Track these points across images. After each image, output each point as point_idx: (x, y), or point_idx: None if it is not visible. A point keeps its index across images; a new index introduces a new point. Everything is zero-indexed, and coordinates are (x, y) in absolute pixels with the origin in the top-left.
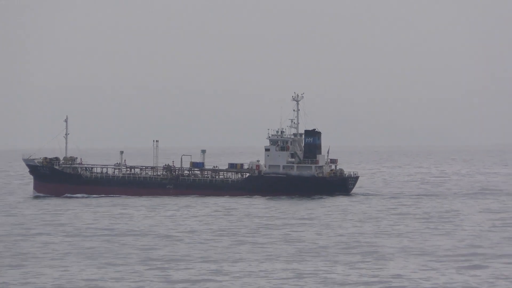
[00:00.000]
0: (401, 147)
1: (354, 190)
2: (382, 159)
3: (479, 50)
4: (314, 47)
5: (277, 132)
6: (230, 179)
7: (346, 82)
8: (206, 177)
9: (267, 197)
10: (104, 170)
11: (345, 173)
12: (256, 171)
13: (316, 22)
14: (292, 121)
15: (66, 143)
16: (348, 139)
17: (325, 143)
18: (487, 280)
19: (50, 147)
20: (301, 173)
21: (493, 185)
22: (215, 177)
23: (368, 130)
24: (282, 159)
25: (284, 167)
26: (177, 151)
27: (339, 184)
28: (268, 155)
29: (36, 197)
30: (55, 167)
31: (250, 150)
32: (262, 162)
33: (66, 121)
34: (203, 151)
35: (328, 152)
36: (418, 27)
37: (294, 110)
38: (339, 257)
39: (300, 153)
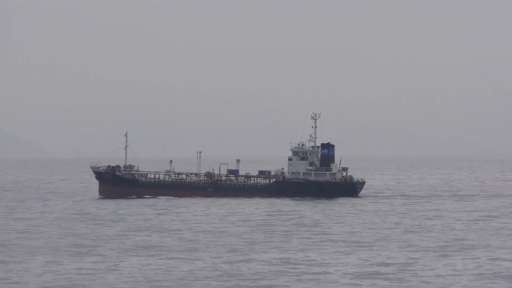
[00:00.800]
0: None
1: (361, 193)
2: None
3: None
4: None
5: (298, 144)
6: (259, 184)
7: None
8: (240, 181)
9: (290, 199)
10: (157, 176)
11: (354, 179)
12: (281, 177)
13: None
14: (311, 136)
15: (126, 153)
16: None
17: (338, 153)
18: None
19: (113, 156)
20: (318, 179)
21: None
22: (247, 182)
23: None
24: (302, 167)
25: (303, 173)
26: (216, 159)
27: (349, 188)
28: (290, 164)
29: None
30: (116, 173)
31: (276, 159)
32: (285, 170)
33: (126, 135)
34: (238, 160)
35: (340, 161)
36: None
37: (312, 127)
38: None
39: (317, 162)
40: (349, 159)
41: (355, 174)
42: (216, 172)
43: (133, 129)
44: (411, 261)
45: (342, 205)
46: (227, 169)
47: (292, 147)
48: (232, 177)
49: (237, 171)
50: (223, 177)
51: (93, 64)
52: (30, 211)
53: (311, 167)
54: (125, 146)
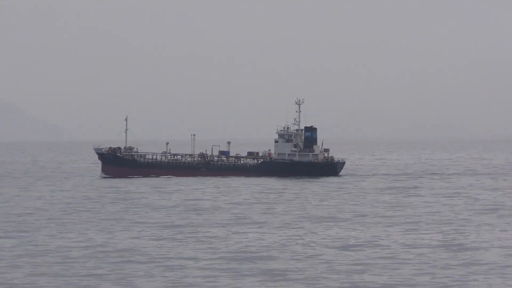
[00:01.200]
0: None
1: (341, 172)
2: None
3: None
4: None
5: (284, 128)
6: (248, 164)
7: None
8: (230, 162)
9: (276, 178)
10: (154, 157)
11: (334, 159)
12: (268, 158)
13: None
14: (295, 120)
15: (126, 136)
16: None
17: (320, 136)
18: None
19: (114, 139)
20: (302, 160)
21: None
22: (237, 162)
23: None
24: (287, 148)
25: (288, 155)
26: (209, 141)
27: (330, 168)
28: (277, 146)
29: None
30: (117, 154)
31: (264, 141)
32: (272, 151)
33: (126, 119)
34: (229, 142)
35: (322, 143)
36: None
37: (296, 111)
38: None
39: (301, 144)
40: (346, 141)
41: (339, 155)
42: (209, 153)
43: (134, 114)
44: (381, 234)
45: (323, 184)
46: (219, 151)
47: (278, 130)
48: (223, 158)
49: (228, 152)
50: (215, 158)
51: (119, 54)
52: (40, 188)
53: (296, 149)
54: (125, 129)
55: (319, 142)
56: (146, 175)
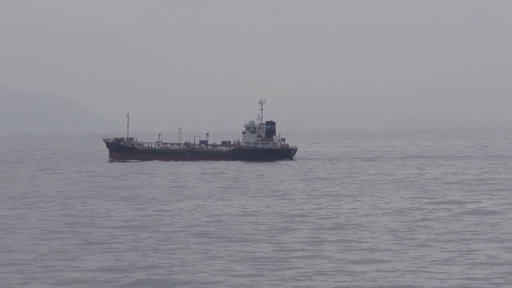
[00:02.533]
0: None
1: (295, 157)
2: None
3: None
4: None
5: (250, 122)
6: (222, 150)
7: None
8: (209, 149)
9: (244, 161)
10: (149, 145)
11: (289, 146)
12: (238, 146)
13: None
14: (258, 115)
15: (128, 129)
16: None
17: (278, 128)
18: None
19: (119, 131)
20: (264, 147)
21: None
22: (214, 149)
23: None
24: (252, 138)
25: (253, 143)
26: (193, 133)
27: (286, 153)
28: (244, 136)
29: (113, 162)
30: (121, 143)
31: (235, 133)
32: (241, 140)
33: (128, 116)
34: (207, 134)
35: (279, 134)
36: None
37: (259, 109)
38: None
39: (263, 135)
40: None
41: (292, 143)
42: (192, 142)
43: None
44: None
45: (279, 165)
46: (199, 140)
47: (245, 124)
48: (203, 146)
49: (206, 141)
50: (197, 146)
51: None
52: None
53: (259, 138)
54: (127, 124)
55: (277, 133)
56: (143, 159)
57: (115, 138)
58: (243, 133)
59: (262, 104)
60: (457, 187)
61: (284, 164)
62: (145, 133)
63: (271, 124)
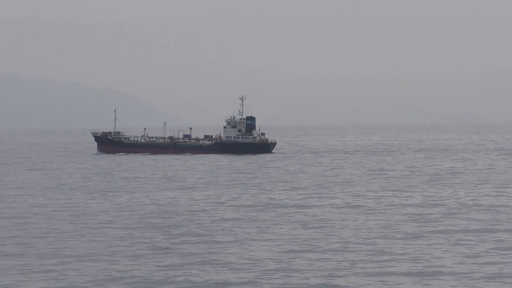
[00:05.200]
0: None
1: (274, 150)
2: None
3: None
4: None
5: (231, 117)
6: (204, 144)
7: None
8: (192, 143)
9: (225, 154)
10: (135, 138)
11: (268, 140)
12: (219, 140)
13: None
14: (239, 111)
15: (115, 124)
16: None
17: (258, 123)
18: None
19: (106, 126)
20: (244, 141)
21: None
22: (197, 143)
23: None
24: (233, 132)
25: (234, 137)
26: (177, 127)
27: (265, 147)
28: (225, 130)
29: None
30: (108, 137)
31: (216, 127)
32: (222, 134)
33: (115, 111)
34: (191, 128)
35: (259, 129)
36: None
37: (240, 105)
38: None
39: (243, 129)
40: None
41: (272, 137)
42: (176, 136)
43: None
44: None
45: (258, 158)
46: (183, 134)
47: (226, 119)
48: (186, 140)
49: (190, 135)
50: (180, 140)
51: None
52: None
53: (239, 133)
54: (115, 119)
55: (257, 128)
56: (129, 152)
57: (103, 132)
58: (224, 127)
59: (242, 100)
60: None
61: (261, 157)
62: (127, 127)
63: (251, 119)
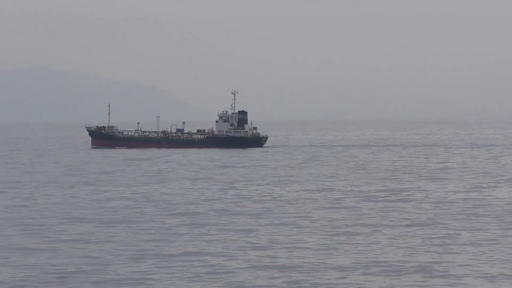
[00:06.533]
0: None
1: (265, 144)
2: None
3: None
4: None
5: (223, 111)
6: (197, 138)
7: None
8: (184, 137)
9: (218, 149)
10: (129, 133)
11: (260, 134)
12: (211, 134)
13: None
14: (231, 105)
15: (109, 119)
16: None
17: (250, 117)
18: None
19: (100, 120)
20: (236, 135)
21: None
22: (189, 137)
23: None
24: (225, 127)
25: (226, 131)
26: (170, 121)
27: (256, 141)
28: (217, 125)
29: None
30: (102, 131)
31: (209, 122)
32: (214, 129)
33: (109, 105)
34: (184, 122)
35: (251, 123)
36: None
37: (232, 99)
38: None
39: (235, 123)
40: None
41: (263, 131)
42: (169, 130)
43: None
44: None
45: (249, 152)
46: (176, 129)
47: (219, 113)
48: (179, 134)
49: (183, 129)
50: (173, 134)
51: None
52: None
53: (231, 127)
54: (108, 113)
55: (249, 122)
56: (122, 146)
57: (97, 126)
58: (216, 122)
59: (234, 95)
60: None
61: (253, 151)
62: (120, 121)
63: (243, 113)
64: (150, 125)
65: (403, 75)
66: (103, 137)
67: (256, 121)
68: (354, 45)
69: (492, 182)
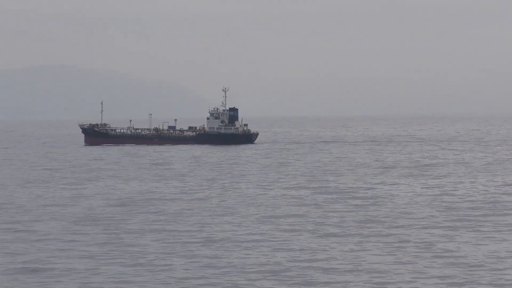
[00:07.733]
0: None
1: (256, 141)
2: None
3: None
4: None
5: (214, 108)
6: (188, 135)
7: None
8: (176, 134)
9: (209, 145)
10: (122, 130)
11: (251, 131)
12: (203, 131)
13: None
14: (222, 102)
15: (102, 116)
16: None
17: (241, 114)
18: None
19: (93, 118)
20: (226, 132)
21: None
22: (181, 134)
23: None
24: (216, 124)
25: (217, 128)
26: (162, 119)
27: (247, 138)
28: (208, 122)
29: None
30: (95, 129)
31: (199, 119)
32: (205, 126)
33: (101, 103)
34: (175, 120)
35: (242, 120)
36: None
37: (223, 96)
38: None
39: (226, 120)
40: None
41: (254, 128)
42: (161, 127)
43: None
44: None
45: (240, 148)
46: (168, 126)
47: (210, 110)
48: (171, 131)
49: (174, 127)
50: (165, 131)
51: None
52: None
53: (222, 124)
54: (101, 111)
55: (239, 118)
56: (115, 143)
57: (90, 124)
58: (207, 119)
59: (225, 92)
60: None
61: (244, 148)
62: (114, 118)
63: (234, 110)
64: (143, 123)
65: (403, 75)
66: (96, 135)
67: (256, 118)
68: (350, 43)
69: None
